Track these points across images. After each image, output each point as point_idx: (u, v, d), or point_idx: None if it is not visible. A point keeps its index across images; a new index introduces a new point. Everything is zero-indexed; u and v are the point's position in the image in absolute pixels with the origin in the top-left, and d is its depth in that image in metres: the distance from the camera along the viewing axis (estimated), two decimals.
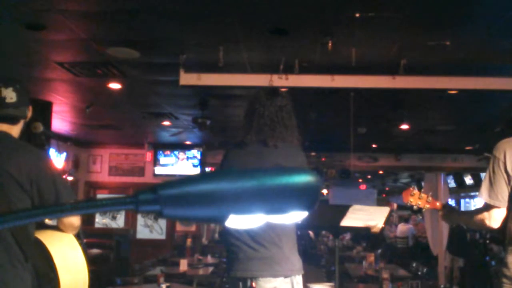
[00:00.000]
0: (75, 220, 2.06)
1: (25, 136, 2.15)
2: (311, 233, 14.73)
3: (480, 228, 2.40)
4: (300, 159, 2.41)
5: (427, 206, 2.61)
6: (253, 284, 2.25)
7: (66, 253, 2.06)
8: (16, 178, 1.88)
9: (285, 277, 2.27)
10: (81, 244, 2.10)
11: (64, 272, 1.98)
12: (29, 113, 2.11)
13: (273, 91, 2.55)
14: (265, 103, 2.43)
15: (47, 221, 2.13)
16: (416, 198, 2.61)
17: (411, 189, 2.65)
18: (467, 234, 9.57)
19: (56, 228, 2.10)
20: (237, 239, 2.31)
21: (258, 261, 2.26)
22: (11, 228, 1.80)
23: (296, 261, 2.34)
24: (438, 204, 2.59)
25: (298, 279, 2.33)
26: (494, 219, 2.20)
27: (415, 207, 2.63)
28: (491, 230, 2.27)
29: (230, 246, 2.35)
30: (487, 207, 2.22)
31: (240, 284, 2.29)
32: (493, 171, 2.20)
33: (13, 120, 2.03)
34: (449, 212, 2.58)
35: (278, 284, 2.25)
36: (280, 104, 2.45)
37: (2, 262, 1.82)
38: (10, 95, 2.00)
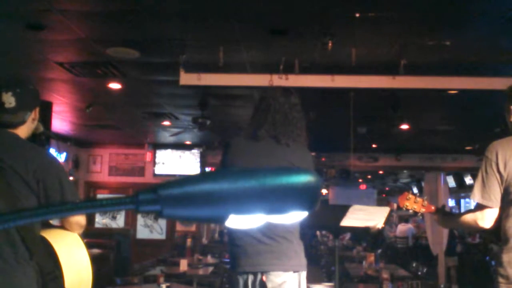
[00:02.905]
0: (81, 219, 2.08)
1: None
2: (318, 233, 14.68)
3: (472, 229, 2.41)
4: (309, 159, 2.45)
5: (423, 210, 2.62)
6: (263, 278, 2.24)
7: (71, 251, 2.07)
8: (22, 176, 1.89)
9: (294, 271, 2.28)
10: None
11: (69, 270, 1.99)
12: (33, 115, 2.10)
13: (287, 90, 2.58)
14: (280, 100, 2.46)
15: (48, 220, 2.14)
16: (411, 203, 2.63)
17: (406, 193, 2.66)
18: (453, 231, 9.61)
19: (61, 227, 2.12)
20: (245, 233, 2.28)
21: (269, 255, 2.25)
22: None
23: (303, 256, 2.35)
24: (433, 208, 2.61)
25: (304, 275, 2.34)
26: (487, 219, 2.21)
27: (411, 211, 2.65)
28: (483, 230, 2.28)
29: (236, 240, 2.32)
30: (480, 208, 2.23)
31: (250, 278, 2.27)
32: (486, 172, 2.21)
33: (10, 126, 2.02)
34: (443, 216, 2.59)
35: (287, 279, 2.25)
36: (294, 103, 2.48)
37: (8, 259, 1.83)
38: (9, 100, 1.99)
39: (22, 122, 2.05)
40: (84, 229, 2.12)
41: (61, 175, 2.00)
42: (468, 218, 2.30)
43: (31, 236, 1.90)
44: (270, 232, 2.26)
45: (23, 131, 2.06)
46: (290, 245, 2.29)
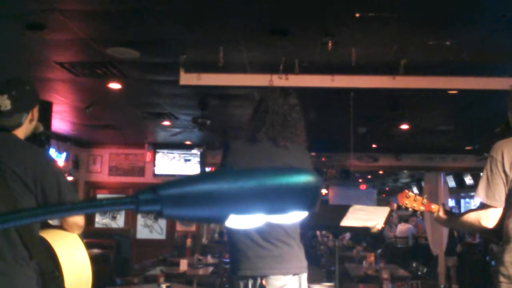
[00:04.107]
0: (79, 220, 2.08)
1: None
2: (318, 233, 14.70)
3: (474, 229, 2.39)
4: (308, 161, 2.46)
5: (422, 208, 2.61)
6: (263, 282, 2.24)
7: (71, 251, 2.07)
8: (21, 177, 1.89)
9: (294, 274, 2.28)
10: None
11: (69, 270, 1.99)
12: (30, 116, 2.10)
13: (286, 91, 2.58)
14: (279, 102, 2.45)
15: (48, 220, 2.14)
16: (411, 201, 2.62)
17: (406, 191, 2.65)
18: (453, 231, 9.61)
19: (60, 227, 2.12)
20: (245, 237, 2.29)
21: (269, 259, 2.26)
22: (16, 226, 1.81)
23: (303, 258, 2.36)
24: (433, 206, 2.60)
25: (305, 277, 2.34)
26: (490, 219, 2.21)
27: (410, 209, 2.64)
28: (485, 230, 2.27)
29: (236, 244, 2.32)
30: (484, 207, 2.23)
31: (250, 283, 2.28)
32: (491, 171, 2.21)
33: (7, 129, 2.01)
34: (443, 215, 2.58)
35: (288, 282, 2.26)
36: (292, 103, 2.48)
37: (7, 259, 1.83)
38: (5, 103, 1.99)
39: (19, 124, 2.04)
40: (82, 229, 2.12)
41: (58, 175, 2.00)
42: (471, 217, 2.30)
43: (30, 236, 1.89)
44: (270, 237, 2.27)
45: (21, 132, 2.06)
46: (291, 249, 2.30)
